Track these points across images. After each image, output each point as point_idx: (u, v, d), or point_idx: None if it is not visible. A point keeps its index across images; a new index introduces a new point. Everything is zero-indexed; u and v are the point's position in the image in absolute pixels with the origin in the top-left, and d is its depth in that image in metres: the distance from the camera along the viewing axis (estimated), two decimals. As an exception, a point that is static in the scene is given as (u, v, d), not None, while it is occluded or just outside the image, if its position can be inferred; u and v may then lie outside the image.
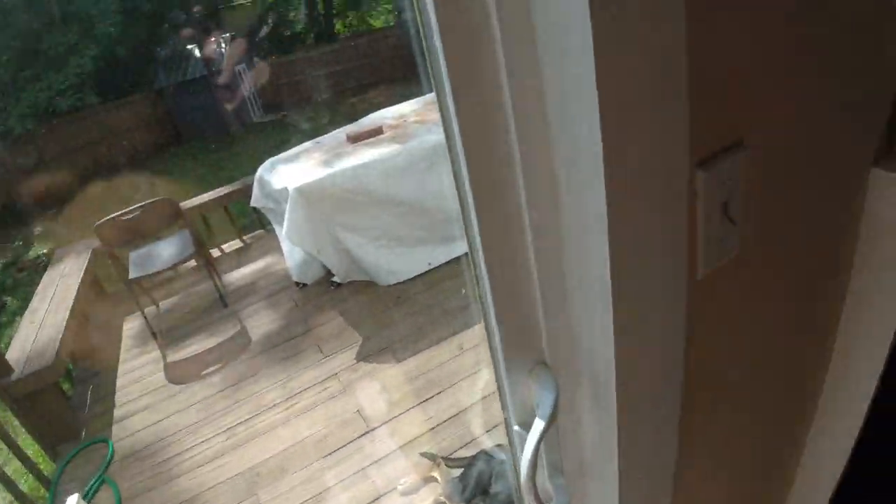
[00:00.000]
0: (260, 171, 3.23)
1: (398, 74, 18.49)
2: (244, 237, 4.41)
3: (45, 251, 8.87)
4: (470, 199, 0.50)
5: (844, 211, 0.70)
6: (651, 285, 0.54)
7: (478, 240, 0.52)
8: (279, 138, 12.60)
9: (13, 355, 2.97)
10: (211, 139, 15.05)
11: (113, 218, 3.35)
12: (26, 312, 3.40)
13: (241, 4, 27.81)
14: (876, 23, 0.58)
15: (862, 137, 0.67)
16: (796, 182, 0.63)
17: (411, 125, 3.17)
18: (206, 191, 8.98)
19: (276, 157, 3.25)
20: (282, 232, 3.11)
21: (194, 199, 4.29)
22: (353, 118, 12.74)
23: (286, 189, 2.73)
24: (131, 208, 3.36)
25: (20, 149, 12.68)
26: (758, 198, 0.59)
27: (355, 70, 18.59)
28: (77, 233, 9.69)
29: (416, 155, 2.79)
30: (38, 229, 10.89)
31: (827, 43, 0.56)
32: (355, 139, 3.10)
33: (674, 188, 0.50)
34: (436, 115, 3.85)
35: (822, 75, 0.58)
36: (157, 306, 3.82)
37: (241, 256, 4.15)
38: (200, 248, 3.55)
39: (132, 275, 3.44)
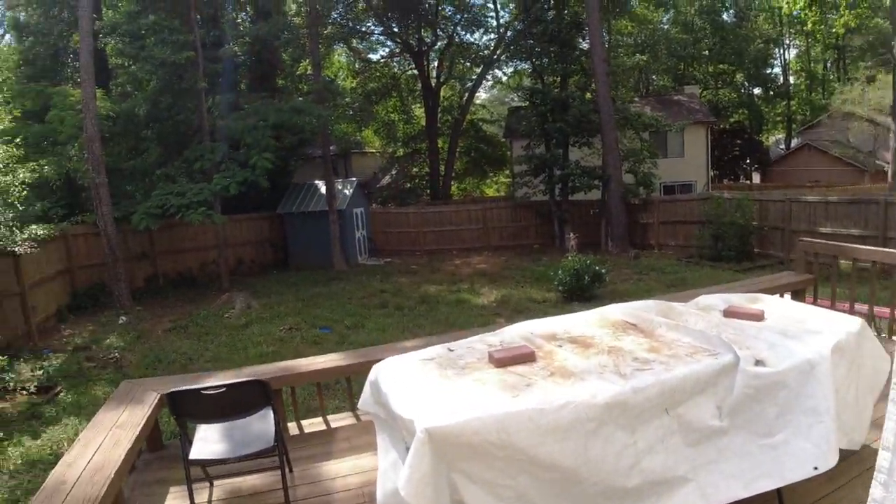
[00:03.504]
0: (375, 373, 2.64)
1: (505, 243, 18.69)
2: (329, 420, 3.78)
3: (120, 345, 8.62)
4: None
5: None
6: None
7: None
8: (378, 286, 12.54)
9: None
10: (315, 270, 15.40)
11: (194, 391, 2.85)
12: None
13: (372, 153, 30.52)
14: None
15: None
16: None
17: (568, 356, 2.54)
18: (298, 333, 8.68)
19: (390, 365, 2.68)
20: (385, 450, 2.45)
21: (287, 364, 3.78)
22: (455, 281, 12.31)
23: (412, 422, 2.09)
24: (217, 384, 2.85)
25: (133, 239, 13.39)
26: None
27: (465, 232, 19.02)
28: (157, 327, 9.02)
29: (586, 412, 2.11)
30: (122, 318, 10.88)
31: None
32: (500, 363, 2.49)
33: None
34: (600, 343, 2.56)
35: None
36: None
37: (323, 445, 3.47)
38: (282, 440, 2.94)
39: (193, 454, 2.84)
